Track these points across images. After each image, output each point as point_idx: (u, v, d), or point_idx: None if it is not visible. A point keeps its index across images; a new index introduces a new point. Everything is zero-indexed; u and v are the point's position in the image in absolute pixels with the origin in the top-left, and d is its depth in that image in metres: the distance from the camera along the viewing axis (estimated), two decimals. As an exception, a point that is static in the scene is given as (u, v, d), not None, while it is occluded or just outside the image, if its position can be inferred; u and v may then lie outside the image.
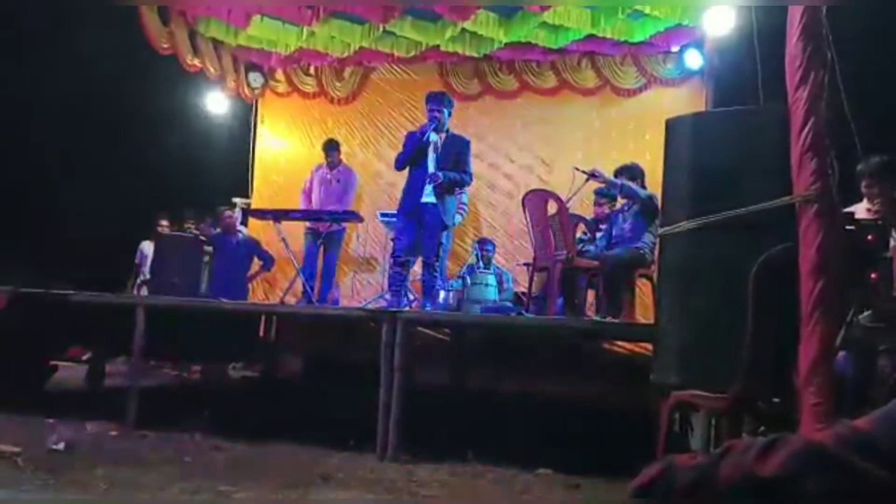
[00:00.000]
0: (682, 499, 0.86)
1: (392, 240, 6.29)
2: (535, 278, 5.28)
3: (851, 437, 0.77)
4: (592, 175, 4.95)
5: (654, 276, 4.29)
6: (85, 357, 5.77)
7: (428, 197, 5.01)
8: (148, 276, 6.57)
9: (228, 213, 7.05)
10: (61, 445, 3.37)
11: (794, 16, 2.43)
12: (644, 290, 4.89)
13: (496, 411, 4.85)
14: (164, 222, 7.21)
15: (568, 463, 3.38)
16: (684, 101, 6.83)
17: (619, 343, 6.09)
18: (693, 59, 6.74)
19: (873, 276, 2.90)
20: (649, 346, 3.56)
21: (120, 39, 6.43)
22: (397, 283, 5.17)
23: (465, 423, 4.18)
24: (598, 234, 5.47)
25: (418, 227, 5.05)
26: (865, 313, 2.91)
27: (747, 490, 0.81)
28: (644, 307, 4.93)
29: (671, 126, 2.83)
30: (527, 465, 3.43)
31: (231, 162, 8.15)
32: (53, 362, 5.32)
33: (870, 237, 2.91)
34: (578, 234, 5.38)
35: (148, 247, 7.19)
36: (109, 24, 6.13)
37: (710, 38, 6.41)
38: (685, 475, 0.88)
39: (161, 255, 5.91)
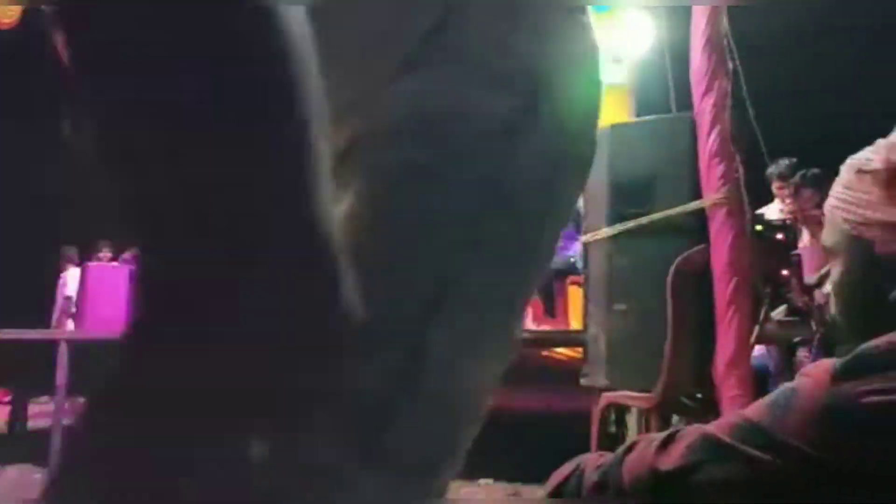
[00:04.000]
0: (589, 500, 0.87)
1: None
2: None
3: (741, 426, 0.81)
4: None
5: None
6: (6, 399, 5.50)
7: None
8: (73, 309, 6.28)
9: None
10: (-21, 492, 3.20)
11: (698, 28, 2.55)
12: (577, 297, 4.98)
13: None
14: (106, 252, 6.89)
15: (509, 472, 3.41)
16: (608, 113, 7.01)
17: (557, 350, 6.18)
18: (615, 73, 6.94)
19: (785, 272, 3.05)
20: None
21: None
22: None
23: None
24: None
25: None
26: (779, 308, 3.06)
27: (649, 485, 0.83)
28: (578, 314, 5.02)
29: (588, 137, 2.91)
30: (468, 476, 3.44)
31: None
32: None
33: (779, 236, 3.07)
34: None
35: (74, 277, 6.89)
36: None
37: (630, 51, 6.63)
38: (592, 475, 0.89)
39: (87, 286, 5.68)
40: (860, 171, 0.83)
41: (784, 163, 4.22)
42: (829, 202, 0.91)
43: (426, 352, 0.50)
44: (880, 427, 0.73)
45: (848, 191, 0.86)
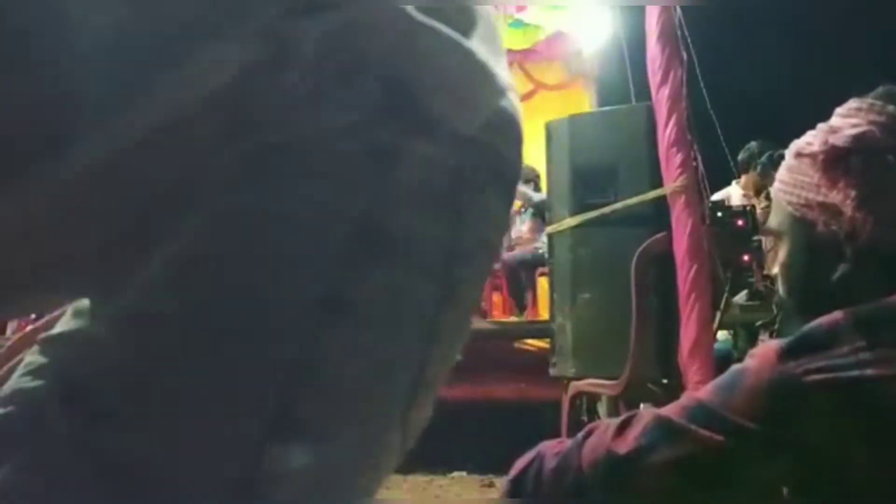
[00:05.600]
0: (549, 487, 0.88)
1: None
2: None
3: (692, 407, 0.82)
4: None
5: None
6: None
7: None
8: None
9: None
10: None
11: (652, 20, 2.58)
12: (546, 289, 5.02)
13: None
14: None
15: (482, 463, 3.42)
16: (572, 105, 7.06)
17: (528, 342, 6.22)
18: (577, 65, 7.01)
19: (746, 258, 3.10)
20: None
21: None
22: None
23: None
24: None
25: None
26: (741, 293, 3.12)
27: (606, 469, 0.84)
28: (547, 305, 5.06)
29: (550, 128, 2.95)
30: (442, 469, 3.45)
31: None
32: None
33: (740, 222, 3.11)
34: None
35: None
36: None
37: (590, 44, 6.69)
38: (551, 462, 0.90)
39: None
40: (800, 155, 0.85)
41: (756, 146, 4.30)
42: (775, 185, 0.93)
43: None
44: (824, 404, 0.75)
45: (790, 173, 0.88)
